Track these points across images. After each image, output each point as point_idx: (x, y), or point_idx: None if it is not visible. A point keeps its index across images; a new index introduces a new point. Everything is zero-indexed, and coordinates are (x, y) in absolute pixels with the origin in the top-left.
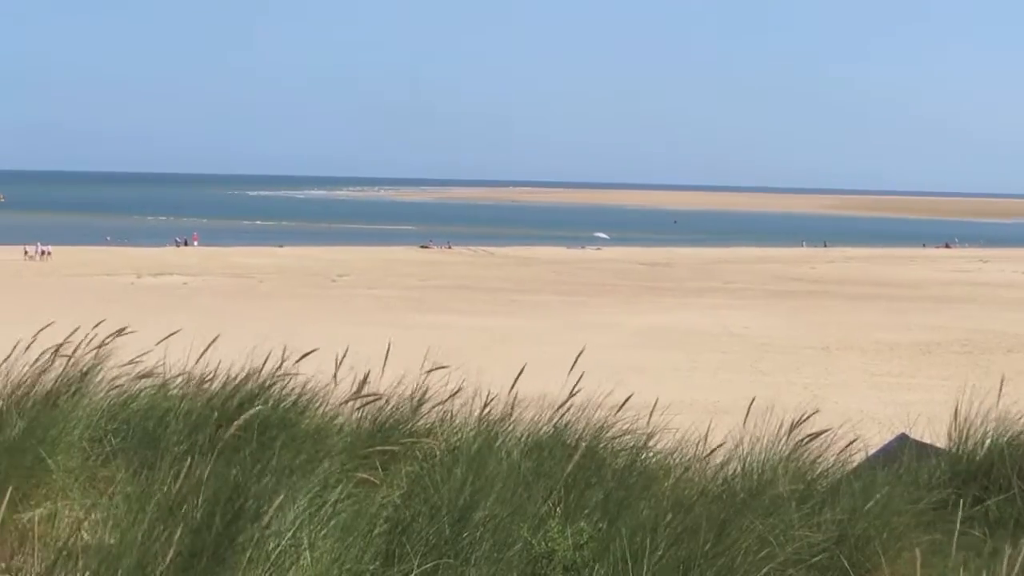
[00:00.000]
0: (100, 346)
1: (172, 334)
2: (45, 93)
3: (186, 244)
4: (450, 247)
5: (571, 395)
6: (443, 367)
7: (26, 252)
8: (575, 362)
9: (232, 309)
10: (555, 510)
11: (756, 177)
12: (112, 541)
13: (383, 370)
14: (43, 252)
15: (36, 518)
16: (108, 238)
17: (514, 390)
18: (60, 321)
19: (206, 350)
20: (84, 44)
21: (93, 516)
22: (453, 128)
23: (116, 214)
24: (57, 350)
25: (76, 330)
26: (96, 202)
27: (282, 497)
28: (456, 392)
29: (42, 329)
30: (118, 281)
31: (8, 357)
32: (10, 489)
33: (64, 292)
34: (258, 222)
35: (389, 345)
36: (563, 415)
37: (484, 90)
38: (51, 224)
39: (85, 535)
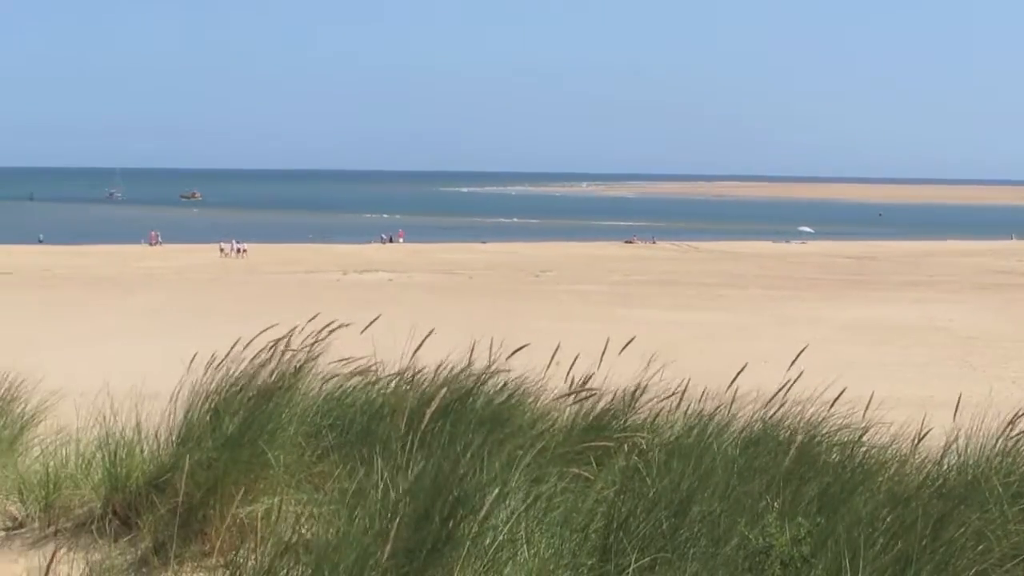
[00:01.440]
0: (313, 342)
1: (388, 332)
2: (254, 95)
3: (391, 241)
4: (654, 242)
5: (782, 389)
6: (651, 361)
7: (222, 249)
8: (795, 359)
9: (438, 305)
10: (772, 505)
11: (964, 169)
12: (331, 536)
13: (597, 365)
14: (239, 250)
15: (256, 513)
16: (310, 235)
17: (725, 384)
18: (269, 318)
19: (419, 346)
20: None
21: (311, 511)
22: (656, 123)
23: (318, 211)
24: (270, 347)
25: (286, 326)
26: (298, 200)
27: (497, 492)
28: (669, 387)
29: (262, 328)
30: (323, 278)
31: (221, 354)
32: (243, 489)
33: (270, 289)
34: (463, 218)
35: (608, 342)
36: (775, 409)
37: (687, 85)
38: (248, 222)
39: (304, 530)
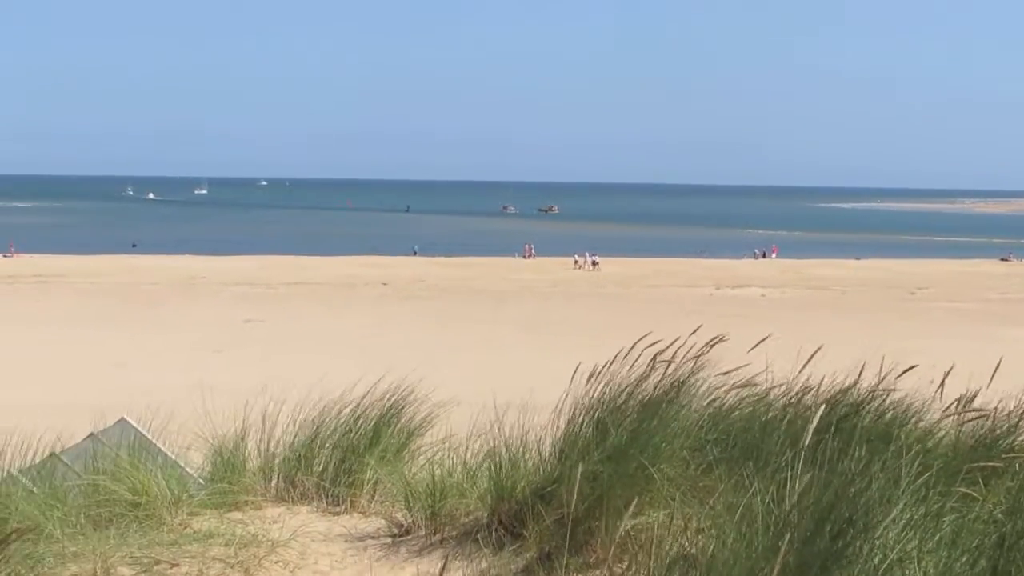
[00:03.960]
0: (697, 356)
1: (761, 341)
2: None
3: (764, 256)
4: None
5: None
6: None
7: (576, 262)
8: None
9: (811, 320)
10: None
11: None
12: (717, 551)
13: (987, 385)
14: (593, 262)
15: (641, 526)
16: (680, 250)
17: None
18: (644, 330)
19: (807, 362)
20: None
21: (696, 525)
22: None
23: (684, 226)
24: (651, 359)
25: (662, 339)
26: (659, 214)
27: (886, 510)
28: None
29: (639, 340)
30: (695, 292)
31: (601, 366)
32: (628, 502)
33: (641, 302)
34: (836, 234)
35: (1000, 361)
36: None
37: None
38: (604, 235)
39: (688, 544)
